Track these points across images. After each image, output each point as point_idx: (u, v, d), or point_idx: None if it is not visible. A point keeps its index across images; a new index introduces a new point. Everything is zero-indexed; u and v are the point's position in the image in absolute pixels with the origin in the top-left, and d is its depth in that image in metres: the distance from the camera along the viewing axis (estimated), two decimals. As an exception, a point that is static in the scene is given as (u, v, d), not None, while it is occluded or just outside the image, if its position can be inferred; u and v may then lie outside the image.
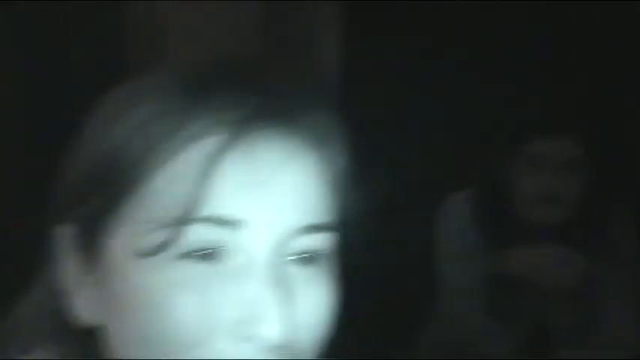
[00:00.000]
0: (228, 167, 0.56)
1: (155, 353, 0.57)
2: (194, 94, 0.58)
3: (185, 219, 0.55)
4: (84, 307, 0.61)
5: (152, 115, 0.57)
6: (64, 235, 0.62)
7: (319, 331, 0.60)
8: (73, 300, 0.62)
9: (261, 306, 0.55)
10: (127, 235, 0.58)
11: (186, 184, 0.55)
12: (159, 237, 0.55)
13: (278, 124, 0.59)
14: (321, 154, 0.61)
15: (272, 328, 0.55)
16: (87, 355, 0.63)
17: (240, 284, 0.56)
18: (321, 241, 0.60)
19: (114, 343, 0.60)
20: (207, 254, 0.56)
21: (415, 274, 2.07)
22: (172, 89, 0.59)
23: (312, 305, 0.59)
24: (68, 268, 0.62)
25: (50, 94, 1.84)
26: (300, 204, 0.58)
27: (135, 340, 0.58)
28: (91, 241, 0.60)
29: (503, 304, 1.86)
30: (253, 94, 0.59)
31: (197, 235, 0.56)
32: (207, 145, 0.56)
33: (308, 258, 0.60)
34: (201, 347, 0.56)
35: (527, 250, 1.86)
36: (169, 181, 0.56)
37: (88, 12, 1.81)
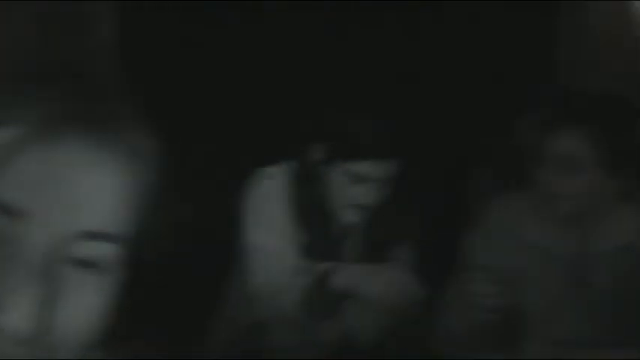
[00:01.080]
0: (23, 159, 0.58)
1: None
2: (9, 84, 0.60)
3: None
4: None
5: None
6: None
7: (81, 334, 0.60)
8: None
9: (14, 297, 0.56)
10: None
11: None
12: None
13: (86, 130, 0.60)
14: (126, 168, 0.63)
15: (14, 321, 0.55)
16: None
17: (6, 272, 0.57)
18: (103, 249, 0.61)
19: None
20: None
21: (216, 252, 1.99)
22: None
23: (78, 310, 0.60)
24: None
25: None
26: (89, 210, 0.60)
27: None
28: None
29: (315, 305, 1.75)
30: (66, 95, 0.61)
31: None
32: (9, 133, 0.58)
33: (86, 263, 0.60)
34: None
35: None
36: None
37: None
